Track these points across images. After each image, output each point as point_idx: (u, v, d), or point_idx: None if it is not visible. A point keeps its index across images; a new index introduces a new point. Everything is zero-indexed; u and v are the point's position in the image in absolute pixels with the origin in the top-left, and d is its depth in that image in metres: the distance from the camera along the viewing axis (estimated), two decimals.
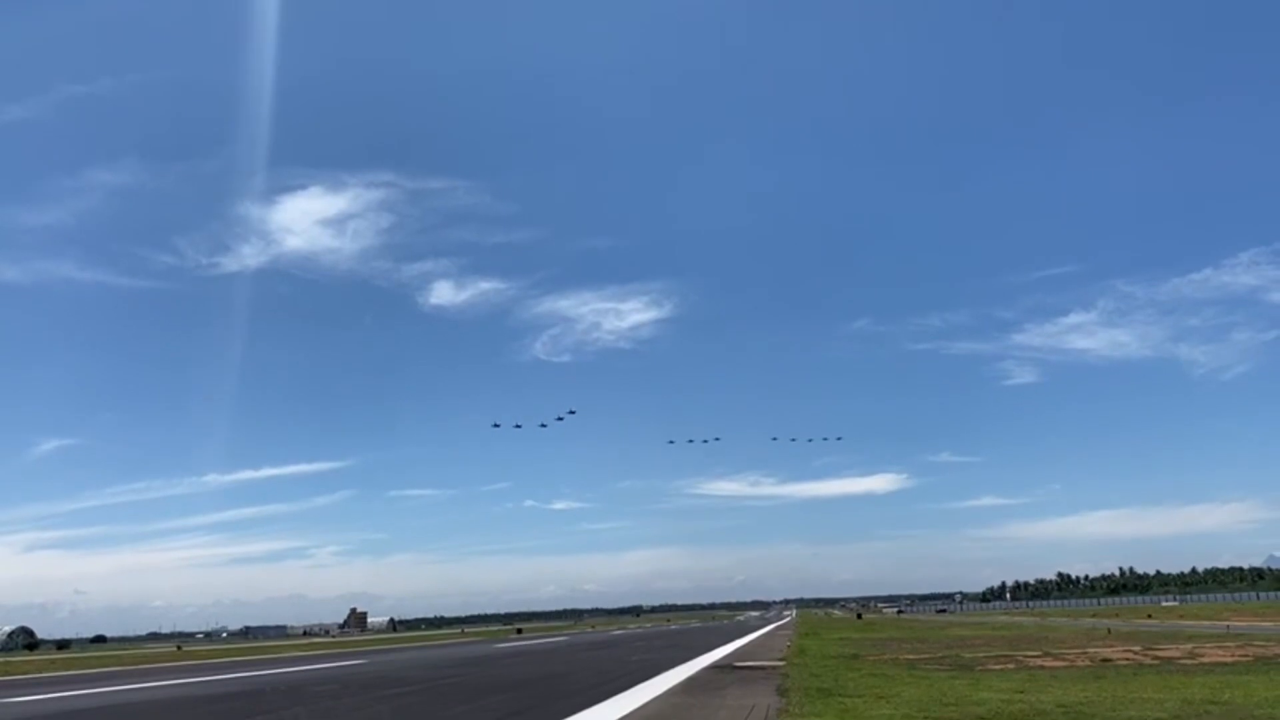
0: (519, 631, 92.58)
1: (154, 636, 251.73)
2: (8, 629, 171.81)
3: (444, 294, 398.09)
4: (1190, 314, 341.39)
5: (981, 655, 21.79)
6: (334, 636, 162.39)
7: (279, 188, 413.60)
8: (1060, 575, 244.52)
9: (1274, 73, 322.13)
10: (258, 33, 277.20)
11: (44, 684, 24.09)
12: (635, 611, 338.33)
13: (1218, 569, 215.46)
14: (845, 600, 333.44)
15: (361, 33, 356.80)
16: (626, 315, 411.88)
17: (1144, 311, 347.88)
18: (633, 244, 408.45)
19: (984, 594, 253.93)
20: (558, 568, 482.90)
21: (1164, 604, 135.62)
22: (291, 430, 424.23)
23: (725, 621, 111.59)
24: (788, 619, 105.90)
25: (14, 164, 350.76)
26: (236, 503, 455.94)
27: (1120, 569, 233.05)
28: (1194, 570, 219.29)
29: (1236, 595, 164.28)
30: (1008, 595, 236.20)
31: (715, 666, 20.41)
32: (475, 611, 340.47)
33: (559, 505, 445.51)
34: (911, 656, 22.25)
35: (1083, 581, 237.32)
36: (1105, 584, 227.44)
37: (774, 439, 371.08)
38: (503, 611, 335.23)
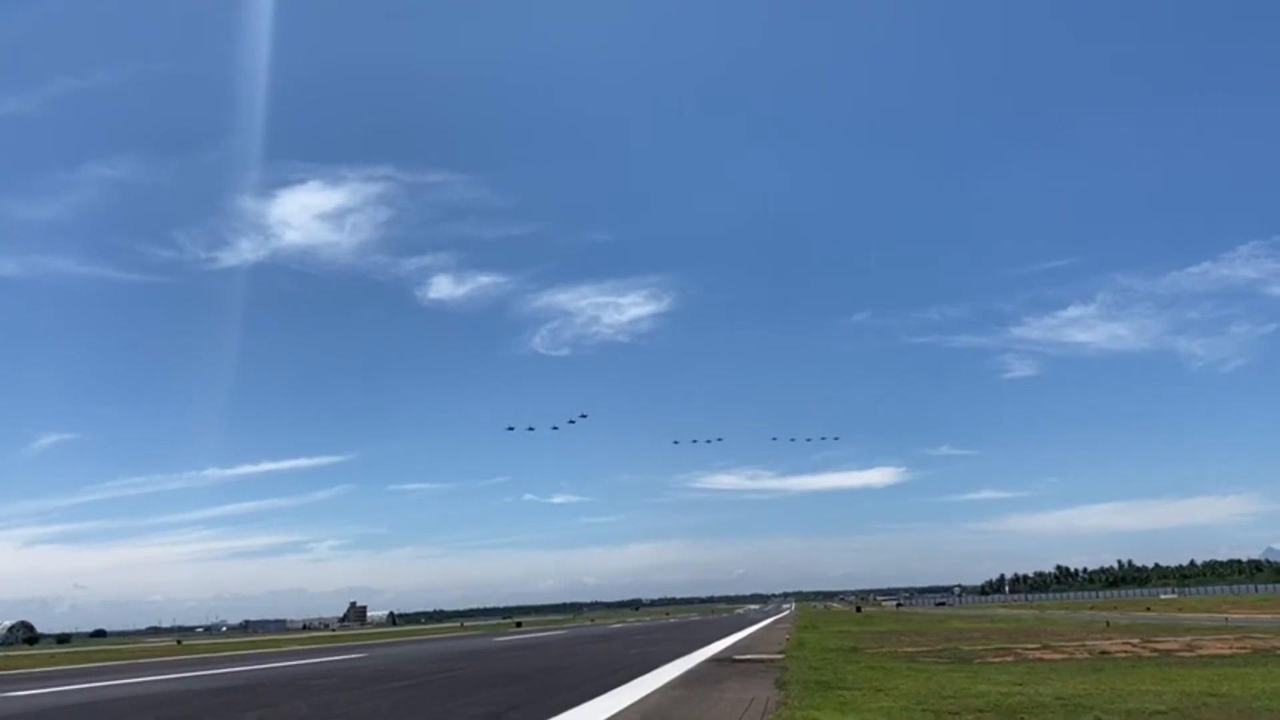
0: (518, 625, 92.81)
1: (154, 631, 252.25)
2: (7, 624, 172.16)
3: (443, 288, 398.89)
4: (1189, 307, 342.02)
5: (980, 648, 21.82)
6: (333, 630, 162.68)
7: (277, 182, 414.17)
8: (1059, 568, 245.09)
9: (1273, 67, 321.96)
10: (255, 26, 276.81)
11: (44, 678, 24.11)
12: (634, 605, 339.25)
13: (1216, 562, 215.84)
14: (844, 593, 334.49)
15: (359, 26, 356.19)
16: (625, 309, 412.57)
17: (1143, 304, 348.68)
18: (631, 237, 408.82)
19: (983, 587, 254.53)
20: (557, 561, 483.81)
21: (1162, 597, 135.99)
22: (290, 424, 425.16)
23: (724, 615, 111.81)
24: (787, 612, 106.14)
25: (11, 158, 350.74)
26: (236, 497, 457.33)
27: (1119, 562, 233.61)
28: (1192, 563, 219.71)
29: (1235, 588, 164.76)
30: (1006, 588, 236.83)
31: (714, 660, 20.43)
32: (475, 605, 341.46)
33: (558, 499, 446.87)
34: (910, 649, 22.29)
35: (1081, 574, 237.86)
36: (1104, 577, 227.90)
37: (774, 439, 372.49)
38: (502, 605, 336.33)
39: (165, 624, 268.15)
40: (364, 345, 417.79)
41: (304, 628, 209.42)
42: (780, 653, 22.25)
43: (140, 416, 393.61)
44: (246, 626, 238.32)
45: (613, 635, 42.32)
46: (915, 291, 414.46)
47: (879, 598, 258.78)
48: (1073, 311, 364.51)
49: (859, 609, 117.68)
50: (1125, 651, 19.26)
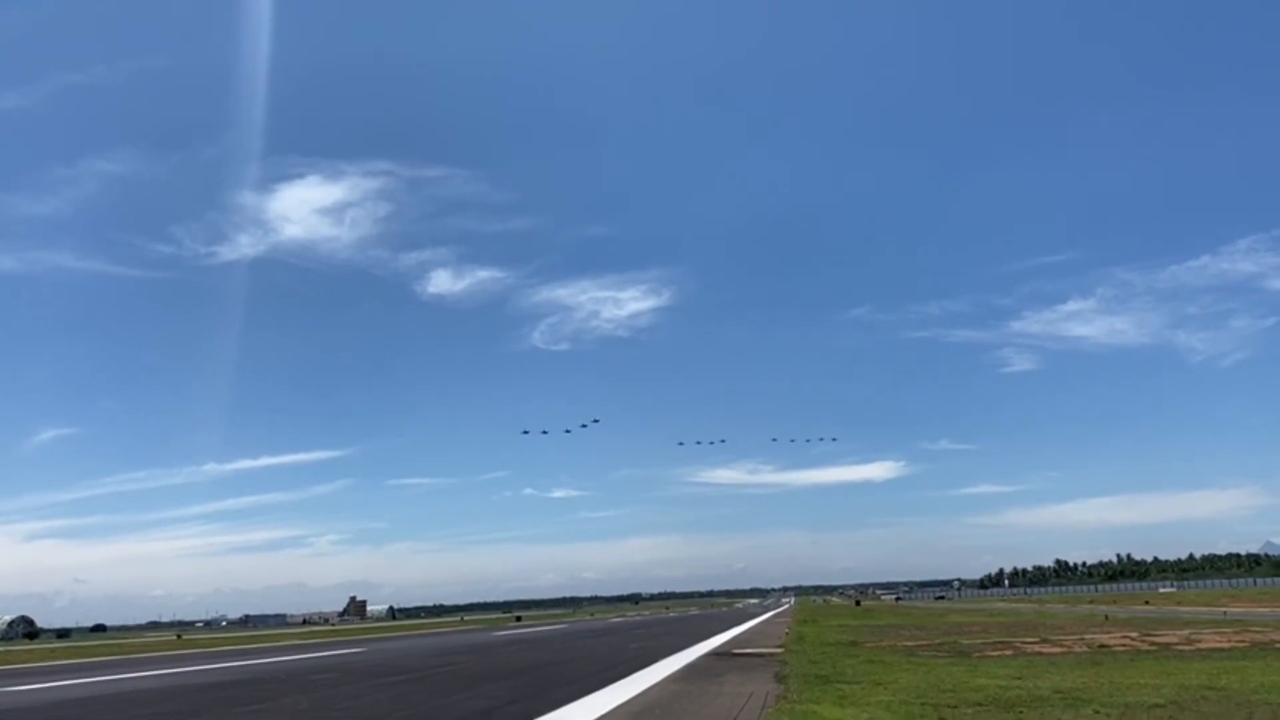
0: (518, 619, 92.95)
1: (154, 625, 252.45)
2: (8, 618, 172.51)
3: (442, 283, 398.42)
4: (1188, 301, 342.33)
5: (979, 642, 21.85)
6: (333, 625, 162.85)
7: (276, 176, 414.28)
8: (1058, 562, 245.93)
9: (1272, 62, 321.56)
10: (255, 21, 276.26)
11: (45, 673, 24.15)
12: (634, 599, 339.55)
13: (1215, 555, 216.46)
14: (844, 587, 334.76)
15: (358, 21, 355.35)
16: (625, 304, 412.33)
17: (1142, 299, 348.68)
18: (631, 233, 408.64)
19: (982, 581, 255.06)
20: (557, 556, 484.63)
21: (1161, 590, 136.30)
22: (290, 419, 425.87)
23: (724, 609, 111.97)
24: (786, 606, 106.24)
25: (11, 153, 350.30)
26: (235, 492, 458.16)
27: (1118, 555, 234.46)
28: (1191, 556, 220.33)
29: (1233, 581, 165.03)
30: (1006, 582, 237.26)
31: (714, 654, 20.46)
32: (474, 600, 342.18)
33: (558, 493, 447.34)
34: (910, 643, 22.32)
35: (1080, 568, 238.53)
36: (1103, 570, 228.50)
37: (774, 440, 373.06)
38: (502, 600, 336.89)
39: (165, 619, 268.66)
40: (363, 340, 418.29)
41: (303, 622, 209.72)
42: (779, 647, 22.28)
43: (140, 411, 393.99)
44: (246, 621, 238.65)
45: (612, 630, 42.37)
46: (915, 286, 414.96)
47: (878, 592, 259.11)
48: (1072, 305, 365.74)
49: (858, 603, 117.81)
50: (1124, 645, 19.29)
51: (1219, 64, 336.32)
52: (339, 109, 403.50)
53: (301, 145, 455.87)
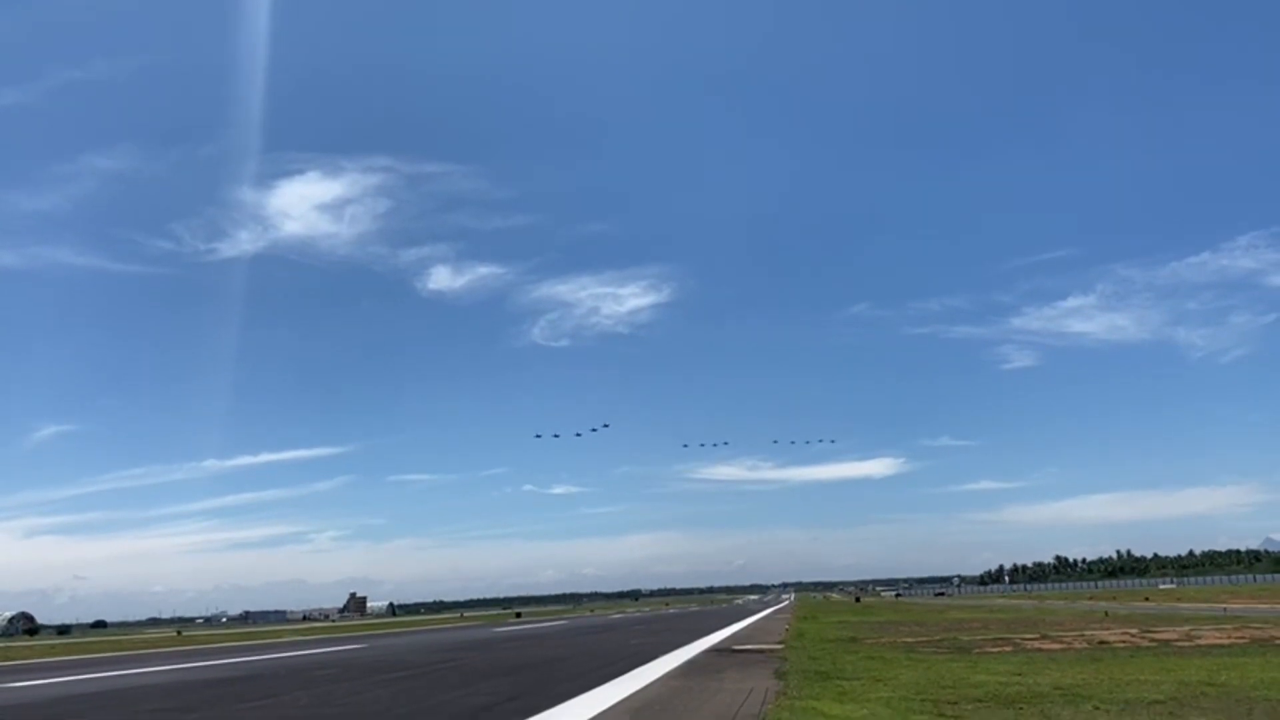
0: (518, 616, 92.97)
1: (154, 622, 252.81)
2: (8, 614, 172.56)
3: (442, 279, 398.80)
4: (1188, 297, 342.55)
5: (979, 638, 21.87)
6: (333, 621, 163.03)
7: (276, 172, 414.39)
8: (1058, 558, 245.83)
9: (1272, 58, 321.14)
10: (254, 17, 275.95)
11: (45, 669, 24.17)
12: (634, 595, 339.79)
13: (1215, 552, 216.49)
14: (844, 584, 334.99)
15: (358, 17, 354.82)
16: (625, 300, 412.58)
17: (1142, 295, 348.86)
18: (630, 229, 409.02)
19: (982, 577, 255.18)
20: (556, 552, 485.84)
21: (1161, 587, 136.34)
22: (290, 416, 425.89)
23: (724, 605, 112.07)
24: (786, 602, 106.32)
25: (10, 149, 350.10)
26: (235, 488, 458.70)
27: (1118, 552, 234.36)
28: (1191, 553, 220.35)
29: (1233, 578, 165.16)
30: (1005, 578, 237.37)
31: (714, 650, 20.48)
32: (474, 596, 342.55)
33: (558, 490, 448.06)
34: (909, 639, 22.34)
35: (1080, 564, 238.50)
36: (1103, 567, 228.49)
37: (774, 441, 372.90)
38: (502, 596, 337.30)
39: (165, 615, 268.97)
40: (363, 336, 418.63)
41: (304, 619, 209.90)
42: (779, 643, 22.30)
43: (140, 408, 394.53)
44: (246, 617, 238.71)
45: (612, 626, 42.40)
46: (915, 282, 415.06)
47: (878, 588, 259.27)
48: (1072, 302, 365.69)
49: (858, 599, 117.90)
50: (1124, 641, 19.30)
51: (1220, 60, 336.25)
52: (338, 105, 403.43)
53: (301, 141, 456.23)
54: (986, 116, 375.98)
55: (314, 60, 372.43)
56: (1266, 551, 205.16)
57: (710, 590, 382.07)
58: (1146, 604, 51.83)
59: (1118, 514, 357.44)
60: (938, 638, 22.59)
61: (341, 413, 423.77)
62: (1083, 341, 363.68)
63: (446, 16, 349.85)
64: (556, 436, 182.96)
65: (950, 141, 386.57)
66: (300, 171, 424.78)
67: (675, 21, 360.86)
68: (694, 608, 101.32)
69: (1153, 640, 19.39)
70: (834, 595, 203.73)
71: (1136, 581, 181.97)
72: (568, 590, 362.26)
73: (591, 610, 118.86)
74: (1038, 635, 22.25)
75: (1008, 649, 18.19)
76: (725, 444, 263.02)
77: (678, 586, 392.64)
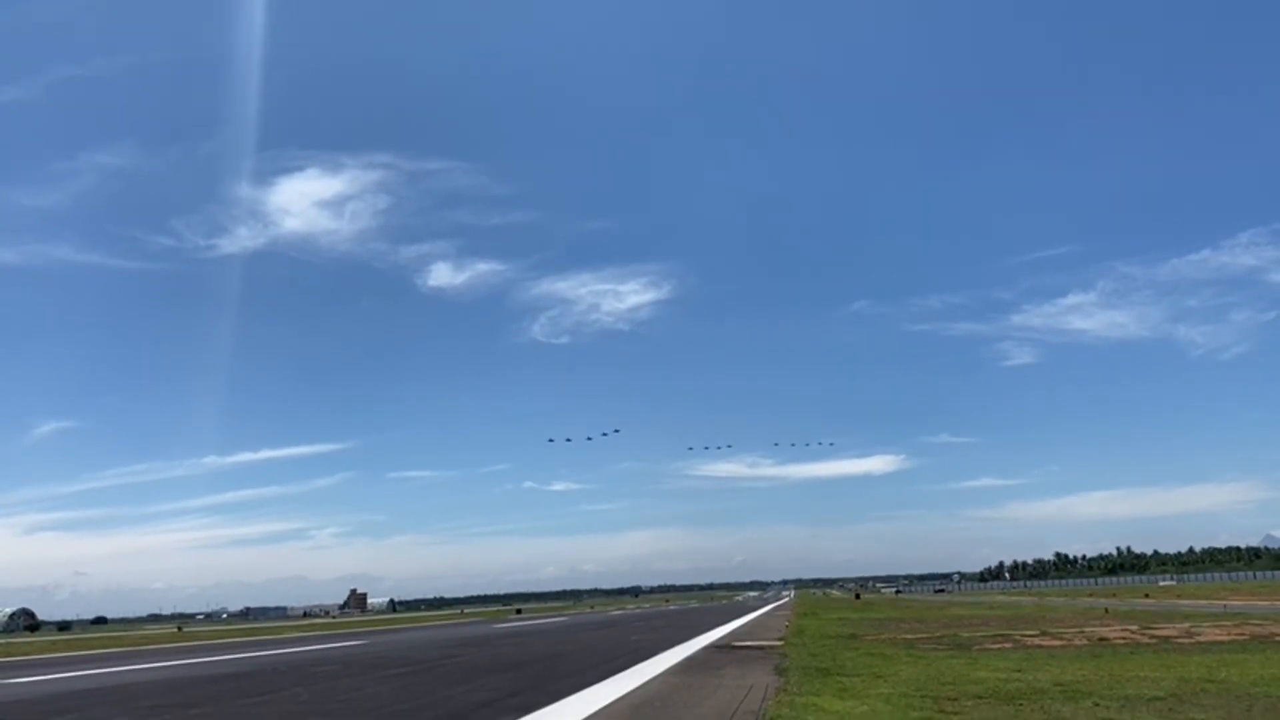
0: (518, 612, 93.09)
1: (154, 618, 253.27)
2: (9, 610, 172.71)
3: (442, 276, 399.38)
4: (1189, 294, 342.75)
5: (979, 635, 21.88)
6: (334, 617, 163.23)
7: (276, 169, 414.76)
8: (1058, 555, 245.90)
9: (1273, 56, 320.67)
10: (253, 14, 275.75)
11: (46, 665, 24.19)
12: (634, 592, 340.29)
13: (1215, 549, 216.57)
14: (844, 580, 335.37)
15: (358, 14, 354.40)
16: (625, 297, 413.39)
17: (1142, 292, 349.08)
18: (631, 226, 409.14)
19: (982, 574, 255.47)
20: (557, 549, 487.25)
21: (1161, 583, 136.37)
22: (290, 412, 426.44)
23: (724, 602, 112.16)
24: (786, 599, 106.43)
25: (10, 146, 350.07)
26: (236, 484, 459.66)
27: (1118, 549, 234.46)
28: (1191, 550, 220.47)
29: (1233, 575, 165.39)
30: (1006, 575, 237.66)
31: (714, 646, 20.49)
32: (475, 592, 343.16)
33: (558, 486, 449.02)
34: (909, 636, 22.34)
35: (1080, 561, 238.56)
36: (1103, 564, 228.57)
37: (775, 444, 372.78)
38: (502, 592, 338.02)
39: (165, 611, 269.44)
40: (363, 333, 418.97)
41: (304, 615, 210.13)
42: (780, 639, 22.32)
43: (140, 404, 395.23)
44: (247, 613, 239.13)
45: (612, 622, 42.45)
46: (915, 279, 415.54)
47: (878, 585, 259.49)
48: (1073, 299, 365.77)
49: (858, 596, 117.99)
50: (1124, 638, 19.31)
51: (1221, 58, 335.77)
52: (339, 102, 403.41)
53: (301, 138, 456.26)
54: (987, 113, 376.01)
55: (314, 57, 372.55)
56: (1266, 549, 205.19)
57: (710, 587, 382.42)
58: (1146, 601, 51.84)
59: (1118, 511, 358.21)
60: (938, 634, 22.60)
61: (342, 409, 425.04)
62: (1083, 338, 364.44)
63: (446, 13, 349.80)
64: (569, 441, 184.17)
65: (951, 138, 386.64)
66: (300, 168, 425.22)
67: (676, 20, 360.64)
68: (694, 604, 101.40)
69: (1153, 637, 19.39)
70: (834, 592, 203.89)
71: (1137, 578, 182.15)
72: (568, 587, 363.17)
73: (592, 607, 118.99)
74: (1038, 632, 22.26)
75: (1008, 646, 18.20)
76: (729, 446, 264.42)
77: (678, 583, 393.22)
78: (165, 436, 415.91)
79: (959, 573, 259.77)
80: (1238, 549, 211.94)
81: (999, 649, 17.41)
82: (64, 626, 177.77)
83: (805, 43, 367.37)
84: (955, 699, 10.10)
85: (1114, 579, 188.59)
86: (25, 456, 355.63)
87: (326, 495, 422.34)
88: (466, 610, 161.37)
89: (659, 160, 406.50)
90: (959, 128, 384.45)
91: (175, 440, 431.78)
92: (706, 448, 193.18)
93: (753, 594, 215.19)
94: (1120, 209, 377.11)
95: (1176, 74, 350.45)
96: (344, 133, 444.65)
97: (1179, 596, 59.77)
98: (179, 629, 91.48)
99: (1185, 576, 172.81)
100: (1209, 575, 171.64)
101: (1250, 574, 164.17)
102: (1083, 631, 21.84)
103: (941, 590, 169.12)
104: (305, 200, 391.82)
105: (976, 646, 18.18)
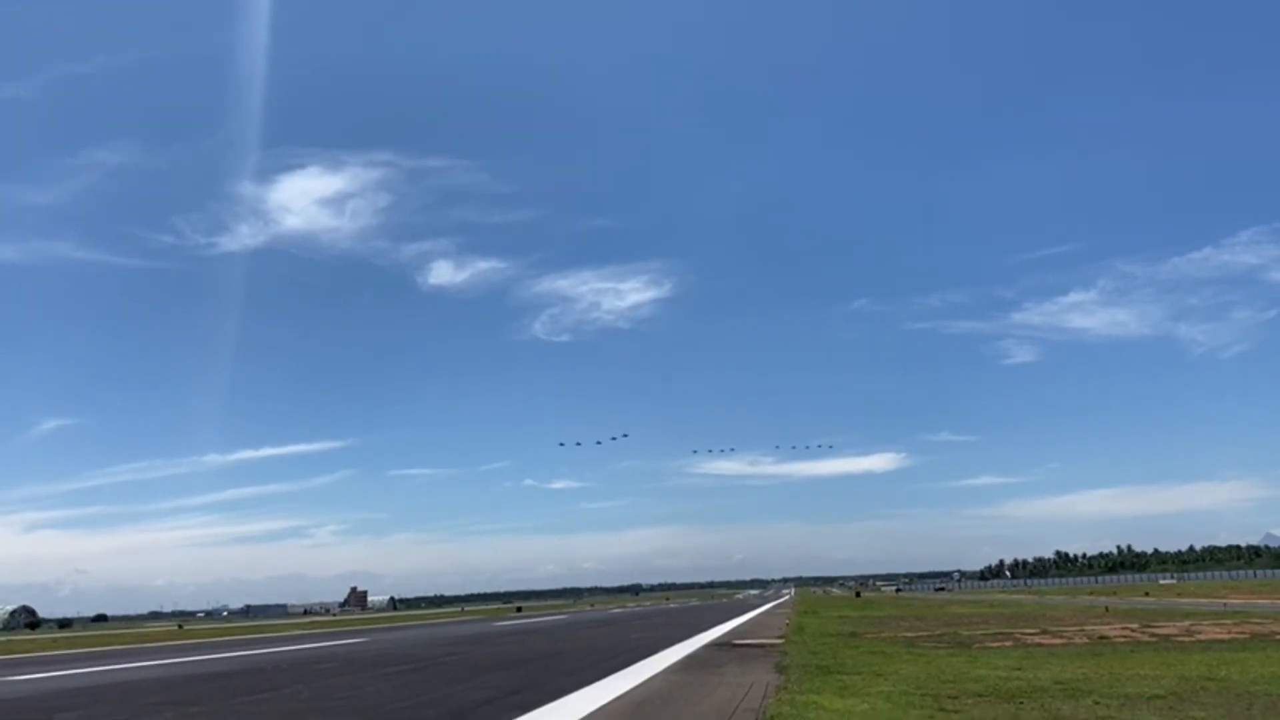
0: (519, 610, 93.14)
1: (155, 615, 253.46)
2: (9, 608, 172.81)
3: (443, 273, 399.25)
4: (1190, 293, 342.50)
5: (979, 633, 21.89)
6: (334, 615, 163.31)
7: (277, 167, 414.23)
8: (1058, 553, 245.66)
9: (1273, 53, 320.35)
10: (255, 11, 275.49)
11: (47, 662, 24.20)
12: (634, 590, 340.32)
13: (1215, 547, 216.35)
14: (844, 579, 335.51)
15: (360, 12, 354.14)
16: (626, 295, 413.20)
17: (1143, 290, 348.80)
18: (632, 224, 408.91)
19: (982, 572, 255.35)
20: (557, 547, 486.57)
21: (1162, 582, 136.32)
22: (291, 410, 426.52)
23: (724, 600, 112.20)
24: (786, 597, 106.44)
25: (12, 143, 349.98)
26: (236, 482, 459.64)
27: (1118, 547, 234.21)
28: (1191, 548, 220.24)
29: (1234, 573, 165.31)
30: (1006, 573, 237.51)
31: (714, 644, 20.50)
32: (475, 590, 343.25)
33: (558, 484, 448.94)
34: (910, 634, 22.35)
35: (1081, 560, 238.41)
36: (1103, 562, 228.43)
37: (776, 446, 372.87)
38: (502, 590, 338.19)
39: (166, 609, 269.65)
40: (364, 331, 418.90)
41: (305, 613, 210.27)
42: (780, 638, 22.33)
43: (141, 402, 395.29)
44: (247, 611, 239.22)
45: (613, 620, 42.46)
46: (915, 277, 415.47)
47: (879, 583, 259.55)
48: (1074, 297, 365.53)
49: (859, 594, 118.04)
50: (1124, 636, 19.31)
51: (1221, 56, 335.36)
52: (339, 99, 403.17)
53: (302, 136, 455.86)
54: (987, 112, 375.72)
55: (315, 55, 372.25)
56: (1267, 547, 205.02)
57: (711, 585, 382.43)
58: (1147, 599, 51.84)
59: (1118, 509, 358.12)
60: (938, 632, 22.60)
61: (342, 407, 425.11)
62: (1084, 337, 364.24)
63: (448, 11, 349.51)
64: (579, 444, 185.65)
65: (952, 137, 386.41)
66: (301, 166, 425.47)
67: (676, 18, 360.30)
68: (694, 603, 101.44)
69: (1153, 635, 19.39)
70: (834, 590, 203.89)
71: (1137, 577, 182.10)
72: (568, 585, 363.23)
73: (592, 605, 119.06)
74: (1038, 630, 22.27)
75: (1008, 644, 18.21)
76: (732, 450, 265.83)
77: (678, 581, 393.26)
78: (166, 434, 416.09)
79: (959, 571, 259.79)
80: (1238, 547, 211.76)
81: (999, 647, 17.41)
82: (65, 624, 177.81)
83: (805, 41, 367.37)
84: (956, 697, 10.10)
85: (1114, 577, 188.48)
86: (26, 454, 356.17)
87: (327, 493, 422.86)
88: (467, 608, 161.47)
89: (659, 158, 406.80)
90: (959, 126, 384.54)
91: (176, 438, 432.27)
92: (710, 450, 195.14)
93: (753, 592, 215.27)
94: (1121, 207, 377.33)
95: (1177, 73, 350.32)
96: (345, 130, 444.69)
97: (1179, 595, 59.77)
98: (180, 627, 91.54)
99: (1185, 575, 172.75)
100: (1209, 574, 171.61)
101: (1250, 572, 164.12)
102: (1083, 630, 21.85)
103: (942, 588, 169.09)
104: (306, 198, 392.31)
105: (977, 645, 18.19)
